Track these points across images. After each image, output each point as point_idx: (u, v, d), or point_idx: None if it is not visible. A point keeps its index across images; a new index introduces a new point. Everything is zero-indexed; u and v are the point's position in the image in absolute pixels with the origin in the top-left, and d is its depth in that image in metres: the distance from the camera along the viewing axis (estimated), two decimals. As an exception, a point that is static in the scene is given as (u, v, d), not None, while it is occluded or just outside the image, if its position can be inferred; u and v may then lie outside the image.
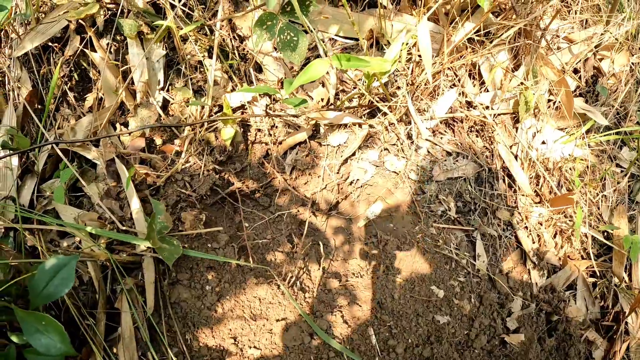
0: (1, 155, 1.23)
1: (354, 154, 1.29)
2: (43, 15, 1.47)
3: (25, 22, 1.48)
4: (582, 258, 1.41)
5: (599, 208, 1.45)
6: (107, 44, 1.41)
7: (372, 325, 1.19)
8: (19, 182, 1.35)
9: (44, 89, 1.43)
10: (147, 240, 0.98)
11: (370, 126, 1.28)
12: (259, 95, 1.31)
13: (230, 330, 1.13)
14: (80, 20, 1.36)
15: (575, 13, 1.56)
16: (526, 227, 1.37)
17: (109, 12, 1.42)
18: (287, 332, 1.13)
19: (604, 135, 1.46)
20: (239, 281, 1.18)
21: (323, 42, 1.31)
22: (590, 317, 1.36)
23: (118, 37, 1.41)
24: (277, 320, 1.14)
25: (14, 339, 0.90)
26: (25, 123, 1.43)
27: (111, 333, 1.15)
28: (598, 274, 1.39)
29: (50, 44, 1.43)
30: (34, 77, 1.45)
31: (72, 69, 1.40)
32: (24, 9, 1.48)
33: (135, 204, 1.17)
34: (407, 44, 1.16)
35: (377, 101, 1.21)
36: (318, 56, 1.37)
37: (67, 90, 1.39)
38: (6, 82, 1.47)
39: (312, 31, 1.04)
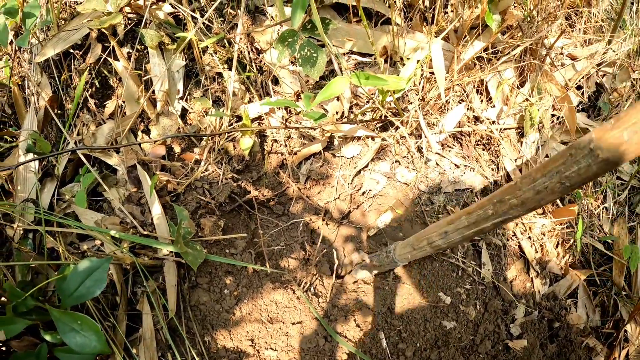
0: (26, 160, 1.31)
1: (366, 166, 1.39)
2: (63, 22, 1.57)
3: (46, 28, 1.57)
4: (583, 267, 1.52)
5: (599, 219, 1.56)
6: (128, 53, 1.51)
7: (382, 329, 1.29)
8: (39, 185, 1.44)
9: (64, 95, 1.52)
10: (174, 245, 1.08)
11: (383, 139, 1.39)
12: (276, 107, 1.42)
13: (248, 332, 1.22)
14: (103, 29, 1.45)
15: (579, 32, 1.68)
16: (529, 237, 1.48)
17: (130, 22, 1.52)
18: (302, 335, 1.23)
19: (605, 150, 1.57)
20: (256, 286, 1.27)
21: (338, 58, 1.41)
22: (590, 325, 1.47)
23: (138, 47, 1.51)
24: (293, 324, 1.23)
25: (48, 337, 0.98)
26: (44, 127, 1.52)
27: (130, 334, 1.24)
28: (598, 282, 1.51)
29: (71, 50, 1.52)
30: (54, 82, 1.54)
31: (94, 76, 1.49)
32: (44, 15, 1.57)
33: (156, 210, 1.27)
34: (420, 61, 1.27)
35: (390, 115, 1.31)
36: (332, 71, 1.48)
37: (88, 97, 1.48)
38: (26, 87, 1.56)
39: (330, 48, 1.14)
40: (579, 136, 1.57)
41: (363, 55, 1.51)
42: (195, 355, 1.16)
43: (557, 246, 1.51)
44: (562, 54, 1.62)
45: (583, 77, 1.62)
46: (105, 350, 0.92)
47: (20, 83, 1.56)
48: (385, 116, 1.36)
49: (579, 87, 1.64)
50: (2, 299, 1.17)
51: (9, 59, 1.50)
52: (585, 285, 1.49)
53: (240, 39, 1.46)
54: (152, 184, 1.22)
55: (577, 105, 1.64)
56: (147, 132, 1.44)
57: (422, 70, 1.38)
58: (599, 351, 1.40)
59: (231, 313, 1.23)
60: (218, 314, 1.22)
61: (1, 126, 1.59)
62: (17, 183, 1.45)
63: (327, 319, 1.26)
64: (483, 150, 1.51)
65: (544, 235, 1.48)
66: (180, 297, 1.22)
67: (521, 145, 1.51)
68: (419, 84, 1.40)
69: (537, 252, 1.48)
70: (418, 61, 1.25)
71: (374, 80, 1.11)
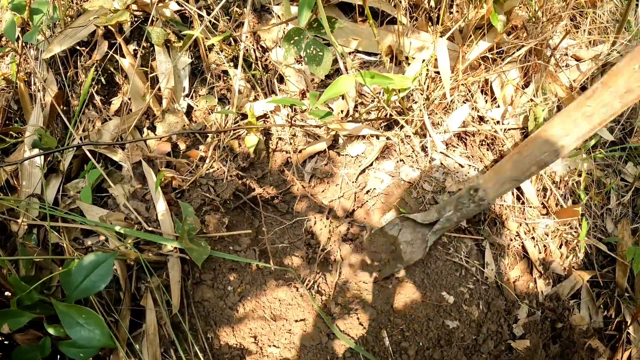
0: (32, 155, 1.32)
1: (371, 164, 1.39)
2: (69, 19, 1.57)
3: (53, 25, 1.57)
4: (587, 268, 1.52)
5: (603, 220, 1.56)
6: (134, 50, 1.51)
7: (385, 327, 1.29)
8: (44, 180, 1.44)
9: (70, 91, 1.52)
10: (180, 241, 1.08)
11: (387, 138, 1.39)
12: (282, 105, 1.42)
13: (251, 329, 1.22)
14: (109, 26, 1.46)
15: (584, 33, 1.68)
16: (533, 238, 1.47)
17: (136, 19, 1.53)
18: (305, 332, 1.23)
19: (610, 151, 1.57)
20: (260, 283, 1.27)
21: (344, 57, 1.41)
22: (593, 326, 1.46)
23: (144, 44, 1.51)
24: (296, 321, 1.23)
25: (51, 331, 0.98)
26: (50, 123, 1.53)
27: (134, 330, 1.24)
28: (602, 284, 1.50)
29: (77, 47, 1.53)
30: (60, 79, 1.55)
31: (100, 73, 1.50)
32: (50, 12, 1.58)
33: (161, 206, 1.27)
34: (426, 61, 1.27)
35: (395, 114, 1.31)
36: (338, 69, 1.48)
37: (94, 94, 1.49)
38: (32, 83, 1.56)
39: (336, 47, 1.14)
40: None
41: (369, 54, 1.51)
42: (198, 352, 1.16)
43: (560, 247, 1.50)
44: (567, 54, 1.62)
45: (587, 78, 1.62)
46: (109, 344, 0.92)
47: (26, 79, 1.56)
48: (391, 115, 1.36)
49: (583, 88, 1.64)
50: (7, 292, 1.17)
51: (15, 55, 1.50)
52: (589, 286, 1.48)
53: (247, 37, 1.46)
54: (158, 180, 1.22)
55: (582, 107, 1.64)
56: (152, 129, 1.44)
57: (427, 69, 1.37)
58: (602, 353, 1.39)
59: (234, 310, 1.23)
60: (222, 311, 1.22)
61: (7, 122, 1.59)
62: (22, 178, 1.45)
63: (330, 316, 1.26)
64: (487, 150, 1.51)
65: (547, 235, 1.48)
66: (184, 293, 1.22)
67: (525, 145, 1.51)
68: (424, 83, 1.40)
69: (540, 252, 1.47)
70: (423, 60, 1.25)
71: (379, 79, 1.11)
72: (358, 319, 1.28)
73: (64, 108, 1.52)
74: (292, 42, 1.22)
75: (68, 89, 1.52)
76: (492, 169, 1.07)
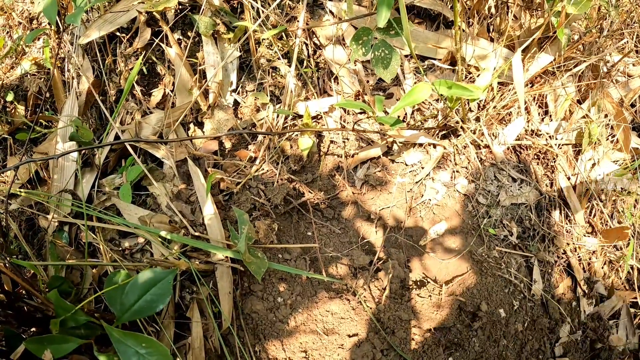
0: (70, 150, 1.15)
1: (428, 174, 1.26)
2: (108, 3, 1.38)
3: (90, 9, 1.39)
4: (626, 289, 1.42)
5: (643, 240, 1.46)
6: (178, 40, 1.34)
7: (439, 343, 1.17)
8: (77, 174, 1.27)
9: (107, 80, 1.35)
10: (241, 254, 0.93)
11: (444, 147, 1.26)
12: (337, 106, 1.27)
13: (301, 343, 1.09)
14: (154, 13, 1.28)
15: (636, 51, 1.56)
16: (579, 257, 1.37)
17: (181, 7, 1.35)
18: (358, 347, 1.10)
19: (655, 171, 1.47)
20: (310, 294, 1.14)
21: (417, 62, 1.26)
22: (628, 347, 1.37)
23: (189, 34, 1.34)
24: (349, 336, 1.10)
25: (103, 359, 0.81)
26: (85, 113, 1.35)
27: (176, 341, 1.10)
28: (640, 304, 1.41)
29: (117, 33, 1.35)
30: (96, 66, 1.37)
31: (141, 62, 1.32)
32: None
33: (209, 210, 1.12)
34: (497, 71, 1.14)
35: (460, 123, 1.18)
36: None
37: (134, 84, 1.31)
38: (65, 70, 1.38)
39: (412, 51, 1.00)
40: (630, 155, 1.46)
41: (423, 58, 1.37)
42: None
43: (603, 266, 1.40)
44: (617, 69, 1.50)
45: (637, 95, 1.50)
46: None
47: (59, 65, 1.38)
48: (446, 124, 1.23)
49: (632, 105, 1.53)
50: (28, 299, 1.00)
51: (48, 39, 1.32)
52: (628, 307, 1.39)
53: (301, 32, 1.30)
54: (209, 183, 1.07)
55: (630, 123, 1.53)
56: (198, 124, 1.28)
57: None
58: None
59: (285, 323, 1.09)
60: (272, 324, 1.08)
61: (37, 109, 1.41)
62: (54, 172, 1.28)
63: (384, 331, 1.14)
64: (538, 164, 1.39)
65: (593, 254, 1.37)
66: (233, 304, 1.08)
67: (577, 161, 1.39)
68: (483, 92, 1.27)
69: (585, 271, 1.37)
70: (494, 71, 1.11)
71: (457, 89, 0.97)
72: (412, 333, 1.15)
73: (101, 98, 1.35)
74: (360, 42, 1.07)
75: (105, 77, 1.34)
76: None
